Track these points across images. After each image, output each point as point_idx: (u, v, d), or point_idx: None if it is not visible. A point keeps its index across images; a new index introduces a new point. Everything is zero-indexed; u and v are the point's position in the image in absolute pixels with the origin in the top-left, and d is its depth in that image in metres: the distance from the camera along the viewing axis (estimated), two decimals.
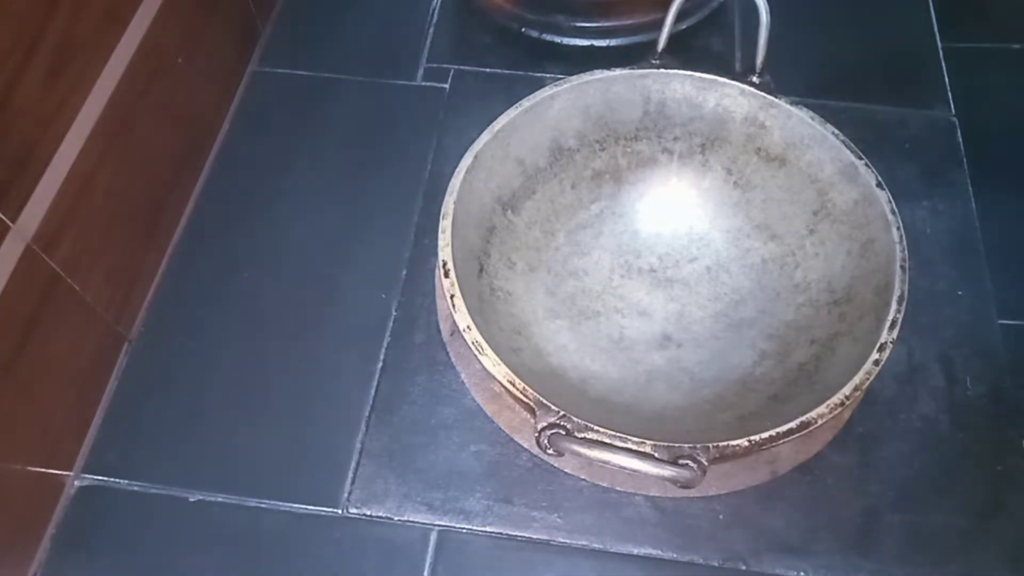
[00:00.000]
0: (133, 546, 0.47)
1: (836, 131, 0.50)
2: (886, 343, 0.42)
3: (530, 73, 0.65)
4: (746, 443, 0.39)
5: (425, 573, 0.46)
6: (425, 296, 0.55)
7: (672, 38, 0.53)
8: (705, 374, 0.49)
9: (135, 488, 0.48)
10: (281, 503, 0.48)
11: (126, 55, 0.50)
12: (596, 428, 0.39)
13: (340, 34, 0.69)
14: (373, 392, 0.51)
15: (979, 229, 0.57)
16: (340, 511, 0.48)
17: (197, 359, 0.53)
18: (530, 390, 0.41)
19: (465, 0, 0.69)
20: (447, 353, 0.52)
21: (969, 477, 0.48)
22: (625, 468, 0.38)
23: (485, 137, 0.50)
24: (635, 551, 0.46)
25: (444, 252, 0.45)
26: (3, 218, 0.41)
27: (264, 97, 0.65)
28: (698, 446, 0.39)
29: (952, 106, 0.63)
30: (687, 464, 0.38)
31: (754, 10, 0.50)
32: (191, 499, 0.48)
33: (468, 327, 0.43)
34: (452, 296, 0.44)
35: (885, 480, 0.48)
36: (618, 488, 0.47)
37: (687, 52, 0.62)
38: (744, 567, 0.46)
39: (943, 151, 0.61)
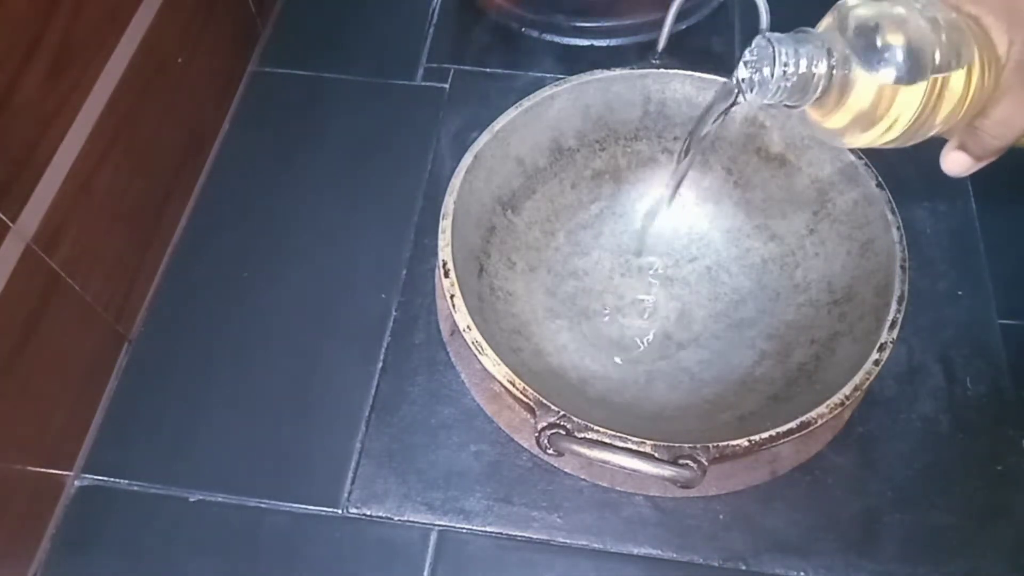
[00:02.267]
0: (133, 546, 0.47)
1: None
2: (886, 343, 0.42)
3: (530, 73, 0.65)
4: (746, 443, 0.39)
5: (425, 573, 0.46)
6: (425, 296, 0.55)
7: (672, 38, 0.53)
8: (705, 374, 0.49)
9: (135, 488, 0.48)
10: (281, 503, 0.48)
11: (126, 55, 0.50)
12: (596, 428, 0.39)
13: (340, 34, 0.69)
14: (373, 392, 0.51)
15: (979, 229, 0.57)
16: (340, 511, 0.48)
17: (197, 359, 0.53)
18: (530, 390, 0.41)
19: (465, 0, 0.69)
20: (447, 353, 0.52)
21: (969, 477, 0.48)
22: (625, 468, 0.38)
23: (485, 137, 0.50)
24: (635, 551, 0.46)
25: (444, 252, 0.45)
26: (3, 218, 0.41)
27: (264, 97, 0.65)
28: (698, 446, 0.39)
29: None
30: (687, 464, 0.38)
31: (754, 10, 0.50)
32: (191, 499, 0.48)
33: (468, 327, 0.43)
34: (452, 296, 0.44)
35: (885, 480, 0.48)
36: (618, 488, 0.47)
37: (687, 52, 0.61)
38: (744, 567, 0.46)
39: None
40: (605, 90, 0.53)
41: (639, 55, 0.54)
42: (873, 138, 0.34)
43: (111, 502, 0.48)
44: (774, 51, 0.33)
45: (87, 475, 0.49)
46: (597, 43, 0.66)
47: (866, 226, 0.48)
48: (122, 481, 0.49)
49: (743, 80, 0.36)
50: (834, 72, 0.33)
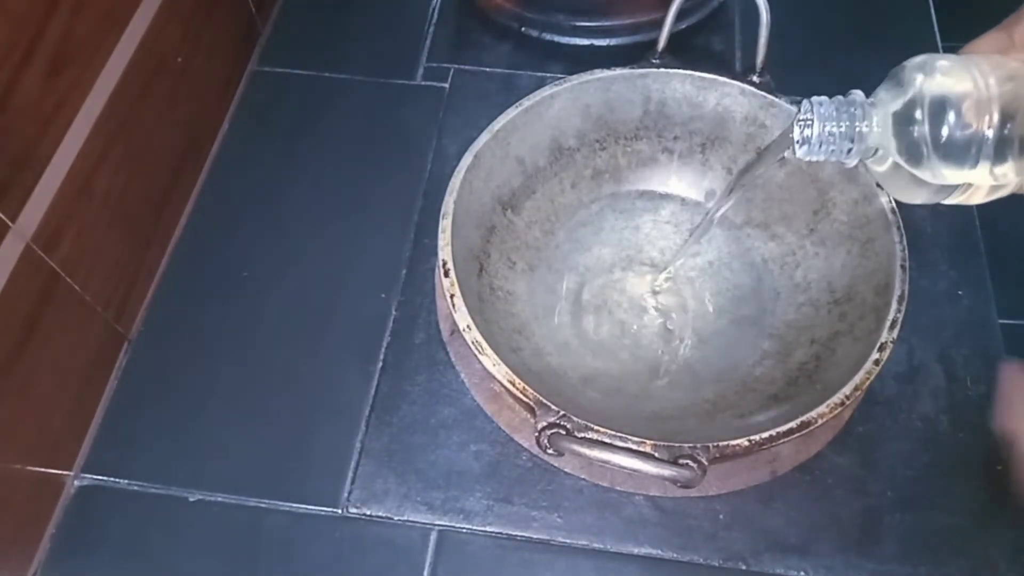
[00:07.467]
0: (133, 546, 0.47)
1: None
2: (886, 343, 0.42)
3: (530, 73, 0.65)
4: (746, 443, 0.39)
5: (425, 573, 0.46)
6: (425, 296, 0.55)
7: (672, 38, 0.53)
8: (706, 373, 0.49)
9: (135, 488, 0.48)
10: (281, 503, 0.48)
11: (126, 55, 0.50)
12: (596, 428, 0.39)
13: (340, 34, 0.69)
14: (373, 392, 0.51)
15: (979, 229, 0.57)
16: (340, 511, 0.48)
17: (197, 359, 0.53)
18: (530, 390, 0.41)
19: (465, 0, 0.69)
20: (447, 353, 0.52)
21: (969, 477, 0.48)
22: (625, 468, 0.38)
23: (485, 137, 0.50)
24: (635, 551, 0.46)
25: (444, 252, 0.45)
26: (3, 217, 0.41)
27: (264, 97, 0.65)
28: (698, 446, 0.39)
29: None
30: (687, 464, 0.38)
31: (754, 10, 0.50)
32: (191, 499, 0.48)
33: (468, 327, 0.43)
34: (452, 296, 0.44)
35: (885, 480, 0.48)
36: (618, 488, 0.47)
37: (687, 52, 0.62)
38: (744, 567, 0.46)
39: None
40: (605, 90, 0.53)
41: (639, 55, 0.54)
42: (940, 200, 0.35)
43: (111, 502, 0.48)
44: (814, 114, 0.36)
45: (87, 475, 0.49)
46: (597, 43, 0.66)
47: (866, 225, 0.48)
48: (122, 481, 0.49)
49: (796, 140, 0.37)
50: (882, 144, 0.34)
